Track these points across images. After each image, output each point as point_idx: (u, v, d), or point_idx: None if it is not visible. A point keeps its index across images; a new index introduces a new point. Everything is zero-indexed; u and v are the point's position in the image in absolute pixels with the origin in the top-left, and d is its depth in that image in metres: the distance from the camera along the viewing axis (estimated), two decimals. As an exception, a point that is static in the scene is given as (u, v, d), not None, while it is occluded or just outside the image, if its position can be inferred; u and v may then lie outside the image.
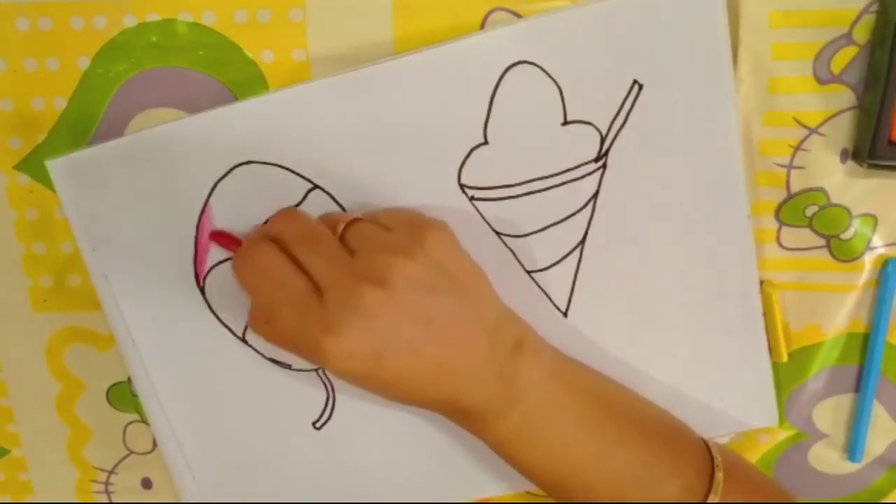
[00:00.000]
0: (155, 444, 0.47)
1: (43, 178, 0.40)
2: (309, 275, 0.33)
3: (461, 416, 0.36)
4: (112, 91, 0.41)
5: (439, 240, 0.35)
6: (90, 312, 0.44)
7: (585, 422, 0.37)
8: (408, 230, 0.35)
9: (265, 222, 0.38)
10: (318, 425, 0.43)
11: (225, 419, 0.43)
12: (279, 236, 0.35)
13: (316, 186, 0.39)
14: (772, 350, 0.42)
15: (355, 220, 0.35)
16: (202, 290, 0.40)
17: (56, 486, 0.48)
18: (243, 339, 0.41)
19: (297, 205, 0.39)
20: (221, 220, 0.39)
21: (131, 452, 0.48)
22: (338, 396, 0.42)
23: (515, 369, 0.35)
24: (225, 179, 0.39)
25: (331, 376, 0.42)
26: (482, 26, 0.39)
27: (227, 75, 0.40)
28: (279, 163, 0.39)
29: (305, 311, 0.33)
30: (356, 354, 0.32)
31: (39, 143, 0.42)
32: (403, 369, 0.33)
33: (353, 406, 0.42)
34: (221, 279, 0.40)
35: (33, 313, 0.45)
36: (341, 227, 0.35)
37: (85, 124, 0.41)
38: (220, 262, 0.40)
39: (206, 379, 0.42)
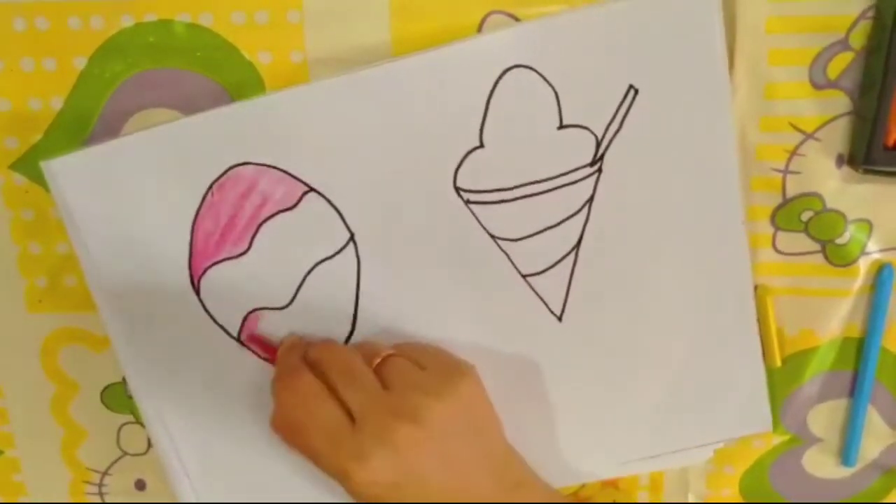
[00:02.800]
0: (149, 445, 0.47)
1: (39, 178, 0.40)
2: (345, 404, 0.36)
3: None
4: (109, 91, 0.40)
5: (469, 387, 0.38)
6: (85, 313, 0.44)
7: None
8: (441, 372, 0.38)
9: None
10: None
11: (220, 420, 0.43)
12: (319, 364, 0.38)
13: (311, 189, 0.39)
14: (765, 355, 0.42)
15: (391, 356, 0.38)
16: (197, 292, 0.40)
17: (49, 487, 0.48)
18: (238, 340, 0.41)
19: (293, 207, 0.39)
20: (218, 216, 0.39)
21: (125, 454, 0.47)
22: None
23: None
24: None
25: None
26: (479, 29, 0.39)
27: (224, 76, 0.40)
28: (275, 164, 0.39)
29: (336, 436, 0.35)
30: (378, 483, 0.35)
31: (35, 143, 0.42)
32: (415, 500, 0.35)
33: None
34: (216, 280, 0.40)
35: (28, 313, 0.45)
36: (377, 360, 0.37)
37: (81, 124, 0.41)
38: (215, 264, 0.40)
39: (201, 380, 0.42)
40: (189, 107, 0.40)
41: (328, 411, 0.36)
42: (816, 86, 0.39)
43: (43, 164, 0.38)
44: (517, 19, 0.39)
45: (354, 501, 0.36)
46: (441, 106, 0.38)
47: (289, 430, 0.37)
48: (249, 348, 0.41)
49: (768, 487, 0.46)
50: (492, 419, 0.39)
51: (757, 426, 0.43)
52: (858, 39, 0.38)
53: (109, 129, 0.41)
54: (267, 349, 0.41)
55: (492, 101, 0.38)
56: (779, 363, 0.43)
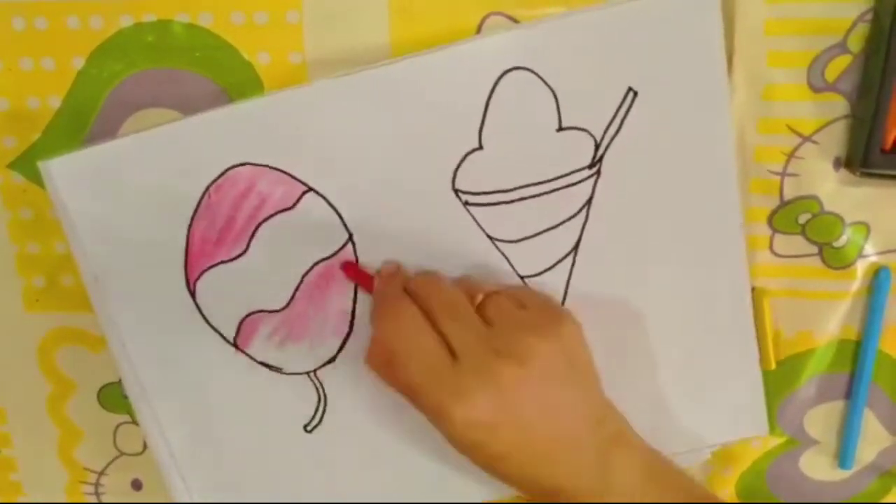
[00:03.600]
0: (145, 445, 0.47)
1: (37, 178, 0.40)
2: (446, 339, 0.35)
3: (550, 496, 0.36)
4: (107, 91, 0.40)
5: (572, 330, 0.37)
6: (82, 313, 0.44)
7: None
8: (544, 313, 0.37)
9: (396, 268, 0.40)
10: (309, 429, 0.43)
11: (215, 422, 0.43)
12: (419, 297, 0.36)
13: (310, 189, 0.39)
14: (760, 357, 0.42)
15: (493, 293, 0.37)
16: (193, 295, 0.40)
17: (46, 486, 0.48)
18: (234, 344, 0.41)
19: (291, 207, 0.39)
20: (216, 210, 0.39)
21: (122, 453, 0.47)
22: (329, 401, 0.42)
23: (612, 461, 0.36)
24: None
25: (322, 379, 0.42)
26: (478, 30, 0.39)
27: (223, 77, 0.40)
28: (274, 165, 0.39)
29: (437, 371, 0.34)
30: (478, 423, 0.33)
31: (33, 142, 0.42)
32: (514, 445, 0.34)
33: (345, 410, 0.42)
34: (212, 284, 0.40)
35: (25, 313, 0.45)
36: (480, 297, 0.37)
37: (79, 124, 0.41)
38: (211, 267, 0.40)
39: (197, 382, 0.42)
40: (187, 107, 0.40)
41: (430, 344, 0.34)
42: (814, 88, 0.39)
43: (40, 165, 0.38)
44: (516, 21, 0.39)
45: (448, 445, 0.35)
46: (440, 107, 0.38)
47: (387, 363, 0.36)
48: (245, 352, 0.41)
49: (765, 489, 0.46)
50: (591, 366, 0.38)
51: (753, 430, 0.43)
52: (856, 42, 0.38)
53: (108, 128, 0.41)
54: (361, 278, 0.40)
55: (491, 102, 0.38)
56: (773, 366, 0.43)
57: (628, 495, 0.36)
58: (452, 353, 0.34)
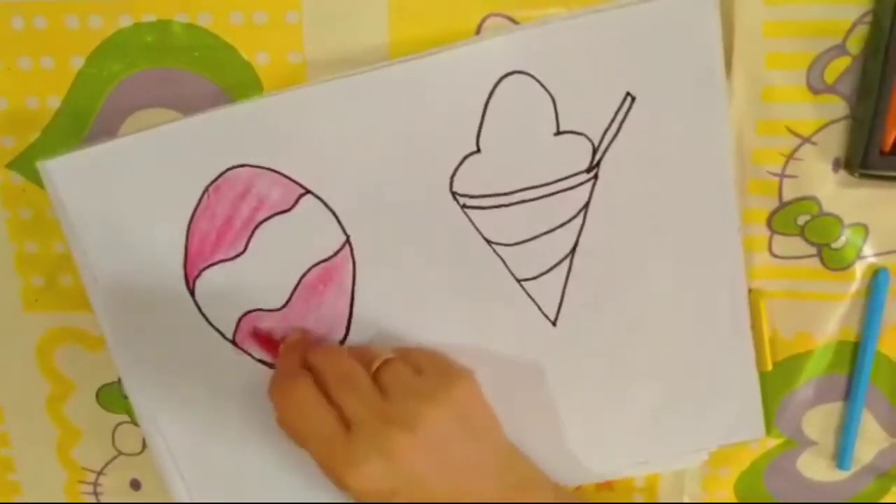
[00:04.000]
0: (144, 445, 0.47)
1: (35, 178, 0.40)
2: (340, 411, 0.36)
3: None
4: (106, 91, 0.40)
5: (465, 389, 0.38)
6: (81, 312, 0.44)
7: None
8: (438, 377, 0.38)
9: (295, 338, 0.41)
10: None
11: (215, 420, 0.43)
12: (316, 369, 0.38)
13: (308, 191, 0.39)
14: (757, 359, 0.42)
15: (389, 360, 0.38)
16: (192, 293, 0.40)
17: (44, 486, 0.48)
18: (233, 342, 0.41)
19: (289, 210, 0.39)
20: (214, 215, 0.39)
21: (120, 453, 0.47)
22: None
23: None
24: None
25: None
26: (478, 31, 0.39)
27: (222, 77, 0.40)
28: (272, 167, 0.39)
29: (331, 443, 0.36)
30: (374, 491, 0.35)
31: (32, 142, 0.42)
32: (417, 500, 0.35)
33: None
34: (211, 282, 0.40)
35: (24, 313, 0.45)
36: (376, 364, 0.38)
37: (79, 124, 0.41)
38: (210, 266, 0.40)
39: (196, 380, 0.42)
40: (187, 107, 0.40)
41: (323, 417, 0.36)
42: (814, 90, 0.39)
43: (39, 165, 0.38)
44: (515, 22, 0.39)
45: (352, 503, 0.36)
46: (438, 110, 0.38)
47: (290, 432, 0.38)
48: (244, 350, 0.41)
49: (763, 490, 0.46)
50: (490, 420, 0.39)
51: (749, 433, 0.43)
52: (856, 44, 0.38)
53: (107, 128, 0.41)
54: (268, 345, 0.41)
55: (489, 106, 0.38)
56: (770, 367, 0.43)
57: None
58: (347, 424, 0.36)
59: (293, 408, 0.37)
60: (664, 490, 0.46)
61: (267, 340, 0.41)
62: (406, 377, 0.37)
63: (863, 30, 0.38)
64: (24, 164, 0.42)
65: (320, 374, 0.37)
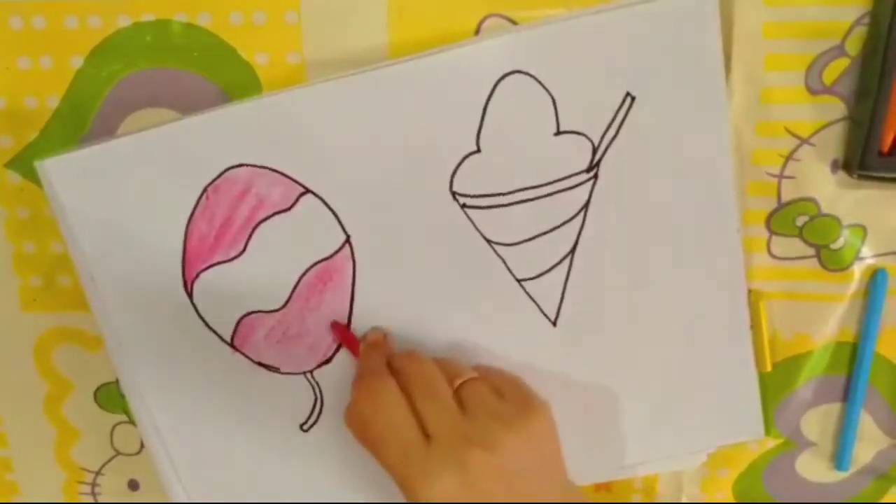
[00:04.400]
0: (142, 445, 0.47)
1: (34, 177, 0.40)
2: (421, 419, 0.36)
3: None
4: (105, 91, 0.40)
5: (544, 425, 0.38)
6: (79, 312, 0.44)
7: None
8: (518, 404, 0.38)
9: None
10: (305, 428, 0.43)
11: (212, 421, 0.43)
12: (401, 373, 0.38)
13: (308, 191, 0.39)
14: (756, 360, 0.42)
15: (472, 379, 0.38)
16: (190, 295, 0.40)
17: (42, 486, 0.48)
18: (231, 344, 0.41)
19: (289, 209, 0.39)
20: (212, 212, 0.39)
21: (118, 453, 0.47)
22: (325, 400, 0.42)
23: None
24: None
25: (319, 379, 0.42)
26: (477, 32, 0.39)
27: (221, 76, 0.40)
28: (272, 166, 0.39)
29: (409, 450, 0.36)
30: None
31: (31, 142, 0.41)
32: None
33: (341, 409, 0.42)
34: (210, 284, 0.40)
35: (22, 313, 0.44)
36: (458, 381, 0.38)
37: (77, 123, 0.41)
38: (208, 267, 0.40)
39: (194, 381, 0.42)
40: (186, 107, 0.40)
41: (405, 423, 0.36)
42: (812, 91, 0.39)
43: (37, 164, 0.38)
44: (514, 22, 0.39)
45: None
46: (438, 110, 0.38)
47: (361, 429, 0.37)
48: (242, 352, 0.41)
49: (762, 491, 0.47)
50: (559, 455, 0.39)
51: (748, 434, 0.43)
52: (854, 45, 0.38)
53: (106, 128, 0.41)
54: (348, 340, 0.41)
55: (489, 105, 0.38)
56: (769, 368, 0.43)
57: None
58: (426, 433, 0.36)
59: (375, 406, 0.37)
60: (662, 491, 0.47)
61: (345, 335, 0.41)
62: (488, 399, 0.37)
63: (861, 31, 0.38)
64: (23, 163, 0.42)
65: (405, 379, 0.37)
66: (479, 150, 0.39)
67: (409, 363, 0.38)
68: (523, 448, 0.36)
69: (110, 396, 0.46)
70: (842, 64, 0.39)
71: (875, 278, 0.42)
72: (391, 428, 0.36)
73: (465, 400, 0.37)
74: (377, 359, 0.39)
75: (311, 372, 0.42)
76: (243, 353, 0.41)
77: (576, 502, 0.38)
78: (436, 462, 0.35)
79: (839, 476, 0.46)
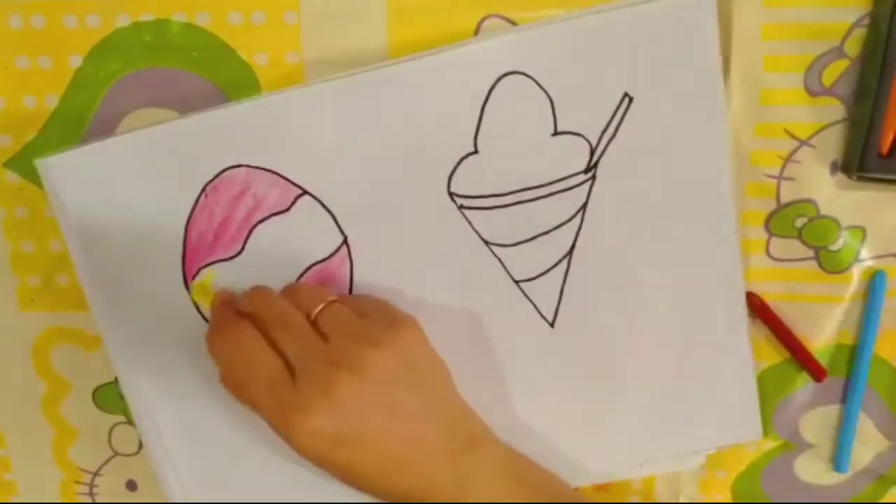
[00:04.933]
0: (140, 445, 0.47)
1: (32, 177, 0.40)
2: (283, 355, 0.35)
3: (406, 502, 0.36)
4: (104, 90, 0.40)
5: (410, 334, 0.36)
6: (78, 312, 0.44)
7: None
8: (381, 321, 0.36)
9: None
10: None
11: (211, 420, 0.42)
12: (254, 314, 0.36)
13: (305, 192, 0.39)
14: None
15: (330, 303, 0.36)
16: (189, 293, 0.40)
17: (40, 486, 0.48)
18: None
19: (286, 210, 0.39)
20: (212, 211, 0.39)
21: (116, 454, 0.47)
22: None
23: (468, 465, 0.36)
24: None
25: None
26: (476, 32, 0.39)
27: (220, 76, 0.40)
28: (269, 167, 0.39)
29: (277, 389, 0.34)
30: (320, 435, 0.34)
31: (29, 141, 0.41)
32: (359, 454, 0.34)
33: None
34: (209, 282, 0.40)
35: (20, 312, 0.44)
36: (315, 310, 0.36)
37: (76, 123, 0.41)
38: (209, 265, 0.40)
39: (193, 380, 0.42)
40: (184, 107, 0.40)
41: (269, 363, 0.35)
42: (811, 93, 0.39)
43: (37, 163, 0.38)
44: (513, 23, 0.39)
45: (303, 458, 0.35)
46: (436, 111, 0.38)
47: (234, 386, 0.36)
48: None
49: (760, 492, 0.47)
50: (439, 370, 0.37)
51: (746, 435, 0.43)
52: (853, 47, 0.38)
53: (104, 128, 0.41)
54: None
55: (487, 106, 0.38)
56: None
57: (488, 496, 0.36)
58: (290, 369, 0.34)
59: (236, 356, 0.35)
60: (660, 491, 0.46)
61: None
62: (348, 321, 0.36)
63: (860, 33, 0.38)
64: (21, 163, 0.42)
65: (258, 318, 0.36)
66: (476, 151, 0.39)
67: (258, 300, 0.37)
68: (391, 362, 0.34)
69: (109, 397, 0.46)
70: (841, 65, 0.39)
71: (874, 280, 0.42)
72: (251, 368, 0.35)
73: (325, 325, 0.35)
74: (226, 310, 0.37)
75: (309, 372, 0.42)
76: None
77: (459, 418, 0.37)
78: (305, 394, 0.33)
79: (837, 478, 0.46)
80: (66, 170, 0.38)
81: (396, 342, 0.35)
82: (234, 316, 0.37)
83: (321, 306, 0.36)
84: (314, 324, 0.36)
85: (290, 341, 0.35)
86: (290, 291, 0.38)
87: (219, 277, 0.40)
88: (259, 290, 0.38)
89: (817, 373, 0.43)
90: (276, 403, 0.34)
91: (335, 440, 0.34)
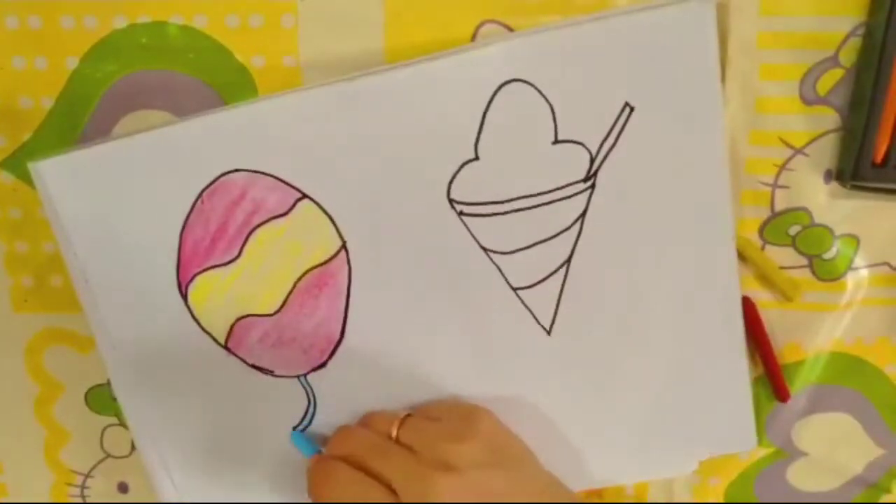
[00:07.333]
0: (133, 447, 0.46)
1: (27, 178, 0.40)
2: (382, 481, 0.36)
3: None
4: (100, 92, 0.40)
5: (487, 422, 0.38)
6: (71, 313, 0.44)
7: None
8: (456, 417, 0.39)
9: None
10: (297, 430, 0.43)
11: (204, 424, 0.42)
12: (346, 454, 0.38)
13: (304, 196, 0.39)
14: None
15: (405, 418, 0.38)
16: (185, 298, 0.40)
17: (31, 488, 0.48)
18: (225, 346, 0.41)
19: (285, 214, 0.39)
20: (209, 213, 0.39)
21: (108, 456, 0.47)
22: (318, 402, 0.42)
23: None
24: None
25: (312, 383, 0.42)
26: (473, 38, 0.39)
27: (217, 79, 0.40)
28: (268, 171, 0.39)
29: None
30: None
31: (24, 142, 0.41)
32: None
33: (333, 412, 0.42)
34: (204, 287, 0.40)
35: (13, 313, 0.44)
36: (395, 428, 0.38)
37: (71, 124, 0.41)
38: (204, 270, 0.40)
39: (187, 384, 0.42)
40: (181, 109, 0.40)
41: (372, 492, 0.36)
42: (806, 101, 0.39)
43: (30, 166, 0.38)
44: (511, 29, 0.39)
45: None
46: (436, 117, 0.38)
47: None
48: (236, 355, 0.41)
49: (753, 500, 0.47)
50: (522, 449, 0.39)
51: (741, 444, 0.43)
52: (848, 56, 0.39)
53: (100, 129, 0.41)
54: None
55: (488, 113, 0.38)
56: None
57: None
58: (392, 490, 0.36)
59: (344, 496, 0.37)
60: (653, 498, 0.47)
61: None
62: (427, 427, 0.38)
63: (855, 42, 0.38)
64: (16, 163, 0.42)
65: (351, 455, 0.38)
66: (477, 158, 0.39)
67: (346, 440, 0.39)
68: (479, 453, 0.36)
69: (101, 398, 0.46)
70: (836, 74, 0.39)
71: (867, 288, 0.41)
72: (357, 499, 0.36)
73: (408, 439, 0.37)
74: (320, 460, 0.39)
75: (304, 376, 0.42)
76: (237, 356, 0.41)
77: (558, 492, 0.38)
78: None
79: (830, 486, 0.46)
80: (59, 173, 0.38)
81: (478, 432, 0.37)
82: (329, 461, 0.38)
83: (398, 424, 0.38)
84: (398, 441, 0.38)
85: (386, 465, 0.36)
86: (366, 422, 0.40)
87: (215, 283, 0.40)
88: (344, 431, 0.40)
89: (782, 392, 0.43)
90: None
91: None
